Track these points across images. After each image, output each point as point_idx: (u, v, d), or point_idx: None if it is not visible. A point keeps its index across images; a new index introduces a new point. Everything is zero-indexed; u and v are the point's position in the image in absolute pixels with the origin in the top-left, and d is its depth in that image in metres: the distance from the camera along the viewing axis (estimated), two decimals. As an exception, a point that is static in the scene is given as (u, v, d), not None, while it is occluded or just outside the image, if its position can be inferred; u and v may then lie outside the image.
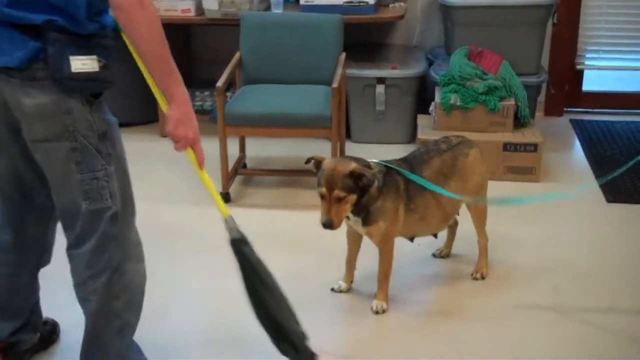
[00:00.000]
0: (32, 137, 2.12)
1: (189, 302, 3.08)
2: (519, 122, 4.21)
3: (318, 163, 2.74)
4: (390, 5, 4.76)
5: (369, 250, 2.97)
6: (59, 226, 2.34)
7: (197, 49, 5.19)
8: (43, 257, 2.49)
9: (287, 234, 3.57)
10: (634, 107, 5.18)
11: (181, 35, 5.00)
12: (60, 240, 2.38)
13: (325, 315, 2.94)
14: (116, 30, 2.16)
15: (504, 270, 3.21)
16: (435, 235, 3.12)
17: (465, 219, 3.16)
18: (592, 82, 5.28)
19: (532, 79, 4.44)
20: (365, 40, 5.01)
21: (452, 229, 3.27)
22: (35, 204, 2.36)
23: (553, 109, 5.13)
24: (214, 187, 2.36)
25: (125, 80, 4.79)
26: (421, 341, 2.79)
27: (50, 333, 2.71)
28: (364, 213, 2.76)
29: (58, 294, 2.69)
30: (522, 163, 4.08)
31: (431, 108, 4.30)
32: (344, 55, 4.10)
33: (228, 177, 3.89)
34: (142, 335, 2.77)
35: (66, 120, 2.08)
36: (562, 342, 2.78)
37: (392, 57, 4.82)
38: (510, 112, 4.13)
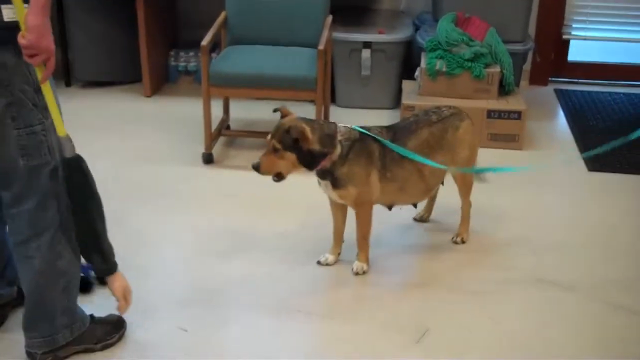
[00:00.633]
0: None
1: (170, 258, 3.08)
2: (504, 89, 4.21)
3: (283, 115, 2.80)
4: (379, -31, 4.73)
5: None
6: None
7: (182, 10, 5.13)
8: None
9: (269, 196, 3.57)
10: (618, 79, 5.19)
11: (166, -5, 4.94)
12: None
13: (307, 276, 2.95)
14: None
15: (485, 237, 3.23)
16: (414, 205, 3.12)
17: (447, 188, 3.16)
18: (577, 53, 5.28)
19: (518, 47, 4.43)
20: (352, 5, 4.97)
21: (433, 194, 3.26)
22: None
23: (538, 78, 5.14)
24: (56, 104, 2.15)
25: (108, 39, 4.82)
26: (400, 307, 2.81)
27: None
28: (330, 177, 2.77)
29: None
30: (506, 130, 4.09)
31: (416, 73, 4.28)
32: (330, 17, 4.07)
33: (211, 138, 3.87)
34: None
35: (1, 75, 2.03)
36: (540, 307, 2.81)
37: (378, 22, 4.79)
38: (495, 79, 4.13)
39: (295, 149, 2.69)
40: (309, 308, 2.76)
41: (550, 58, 5.11)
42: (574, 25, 5.11)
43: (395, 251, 3.15)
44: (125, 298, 2.45)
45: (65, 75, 4.90)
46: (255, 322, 2.68)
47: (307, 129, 2.69)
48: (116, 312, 2.52)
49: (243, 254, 3.09)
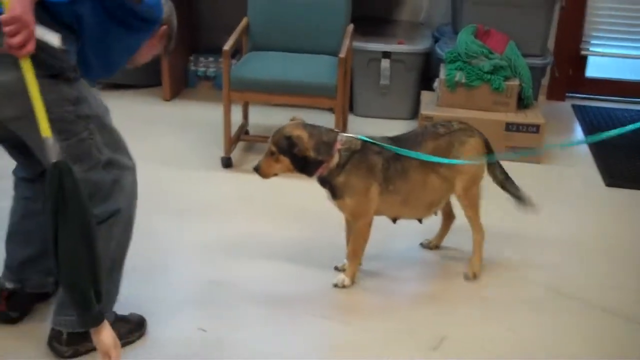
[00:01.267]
0: (3, 116, 2.11)
1: (188, 260, 3.10)
2: (522, 102, 4.23)
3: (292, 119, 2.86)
4: (399, -19, 4.76)
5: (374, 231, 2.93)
6: None
7: (201, 15, 5.17)
8: None
9: (285, 201, 3.59)
10: (635, 96, 5.19)
11: (185, 1, 4.97)
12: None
13: (323, 281, 2.95)
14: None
15: (500, 249, 3.22)
16: (420, 221, 3.03)
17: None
18: (594, 69, 5.29)
19: (538, 61, 4.44)
20: (372, 15, 5.00)
21: (447, 222, 3.16)
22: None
23: (556, 93, 5.15)
24: (41, 100, 2.00)
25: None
26: (416, 316, 2.82)
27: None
28: (329, 186, 2.79)
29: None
30: (524, 144, 4.09)
31: (435, 84, 4.30)
32: (351, 26, 4.10)
33: (230, 143, 3.90)
34: (143, 290, 2.82)
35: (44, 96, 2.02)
36: (557, 318, 2.82)
37: (398, 32, 4.82)
38: (514, 92, 4.15)
39: (289, 154, 2.72)
40: (325, 313, 2.78)
41: (568, 73, 5.12)
42: (592, 42, 5.12)
43: (408, 261, 3.16)
44: (117, 352, 2.22)
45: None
46: (272, 325, 2.69)
47: (304, 136, 2.71)
48: (134, 314, 2.55)
49: (261, 257, 3.11)
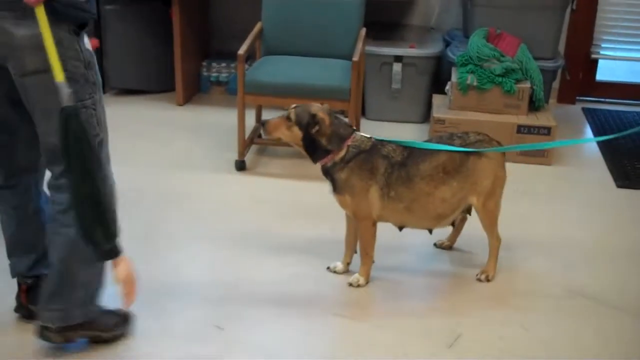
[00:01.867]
0: (23, 70, 2.15)
1: (204, 260, 3.14)
2: (534, 105, 4.25)
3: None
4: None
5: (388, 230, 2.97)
6: None
7: (213, 21, 5.22)
8: (36, 176, 2.51)
9: (299, 202, 3.63)
10: (646, 99, 5.22)
11: (198, 7, 5.02)
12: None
13: (337, 281, 2.99)
14: None
15: (514, 251, 3.23)
16: (430, 231, 3.03)
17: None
18: (605, 72, 5.31)
19: (549, 64, 4.47)
20: (383, 20, 5.04)
21: (460, 223, 3.14)
22: (23, 137, 2.38)
23: (566, 97, 5.17)
24: (51, 35, 2.09)
25: (143, 49, 4.91)
26: (431, 314, 2.85)
27: None
28: (330, 178, 2.83)
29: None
30: (535, 147, 4.12)
31: (447, 87, 4.34)
32: (364, 30, 4.14)
33: (244, 145, 3.94)
34: (157, 289, 2.86)
35: (57, 50, 2.10)
36: (571, 317, 2.84)
37: (409, 37, 4.86)
38: (526, 95, 4.17)
39: (305, 130, 2.78)
40: (340, 311, 2.80)
41: (578, 77, 5.15)
42: (602, 45, 5.15)
43: (422, 260, 3.19)
44: (129, 288, 2.36)
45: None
46: (287, 323, 2.72)
47: (327, 121, 2.77)
48: (120, 309, 2.55)
49: (275, 257, 3.14)
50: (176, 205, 3.55)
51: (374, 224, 2.87)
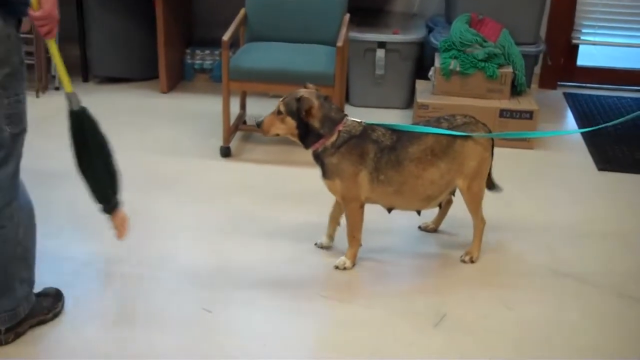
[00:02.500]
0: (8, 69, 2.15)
1: (191, 244, 3.16)
2: (516, 90, 4.30)
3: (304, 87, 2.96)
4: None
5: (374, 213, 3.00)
6: None
7: (196, 8, 5.22)
8: None
9: (284, 187, 3.65)
10: (626, 84, 5.27)
11: (183, -6, 5.03)
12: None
13: (324, 262, 3.02)
14: None
15: (499, 233, 3.28)
16: (418, 212, 3.09)
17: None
18: (586, 57, 5.36)
19: (531, 49, 4.52)
20: (367, 6, 5.06)
21: (445, 206, 3.19)
22: None
23: (547, 82, 5.22)
24: (61, 60, 2.36)
25: (126, 37, 4.90)
26: (417, 295, 2.89)
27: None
28: (320, 163, 2.86)
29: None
30: (518, 130, 4.16)
31: (430, 73, 4.37)
32: (348, 16, 4.15)
33: (229, 132, 3.95)
34: (145, 273, 2.87)
35: (8, 45, 2.13)
36: (555, 297, 2.88)
37: (392, 23, 4.88)
38: (508, 79, 4.22)
39: (297, 117, 2.80)
40: (327, 293, 2.83)
41: (559, 62, 5.20)
42: (583, 30, 5.20)
43: (408, 242, 3.23)
44: (123, 227, 2.58)
45: (83, 71, 4.98)
46: (276, 305, 2.75)
47: (315, 105, 2.79)
48: (49, 287, 2.61)
49: (261, 240, 3.17)
50: (162, 191, 3.56)
51: (362, 206, 2.90)
